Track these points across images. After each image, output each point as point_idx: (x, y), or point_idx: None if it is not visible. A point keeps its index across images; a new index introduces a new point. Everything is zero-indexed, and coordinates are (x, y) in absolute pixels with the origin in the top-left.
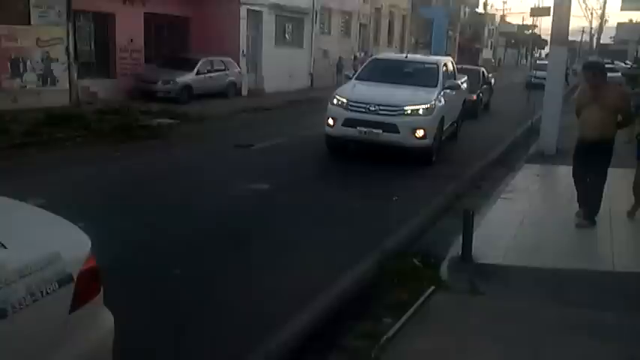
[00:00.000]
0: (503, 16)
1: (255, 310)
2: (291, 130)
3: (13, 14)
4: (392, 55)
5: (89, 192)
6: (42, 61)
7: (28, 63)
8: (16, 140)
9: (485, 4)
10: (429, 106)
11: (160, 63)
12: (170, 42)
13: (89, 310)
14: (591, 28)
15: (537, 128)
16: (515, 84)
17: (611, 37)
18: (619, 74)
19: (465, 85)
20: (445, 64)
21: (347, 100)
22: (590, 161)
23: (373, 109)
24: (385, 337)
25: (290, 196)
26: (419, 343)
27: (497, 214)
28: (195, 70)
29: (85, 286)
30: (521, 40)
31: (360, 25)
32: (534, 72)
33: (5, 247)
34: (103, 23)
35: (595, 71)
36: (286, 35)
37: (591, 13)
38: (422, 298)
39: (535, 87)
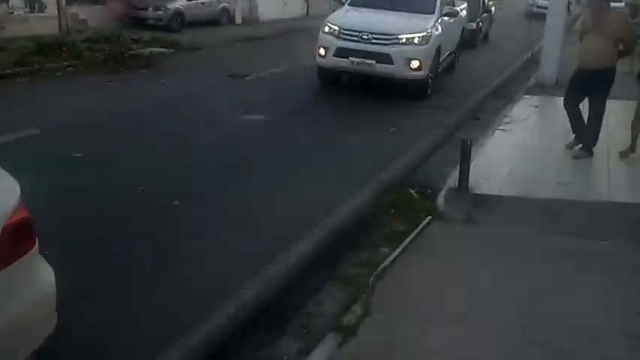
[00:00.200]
0: None
1: (253, 238)
2: (287, 60)
3: None
4: None
5: (83, 122)
6: None
7: None
8: (7, 70)
9: None
10: (424, 34)
11: None
12: None
13: (21, 267)
14: None
15: (537, 59)
16: (516, 13)
17: None
18: (622, 4)
19: (464, 13)
20: None
21: (339, 27)
22: (589, 90)
23: (366, 37)
24: (382, 265)
25: (286, 127)
26: (415, 271)
27: (494, 145)
28: None
29: (13, 241)
30: None
31: None
32: (536, 1)
33: None
34: None
35: None
36: None
37: None
38: (418, 228)
39: (536, 17)
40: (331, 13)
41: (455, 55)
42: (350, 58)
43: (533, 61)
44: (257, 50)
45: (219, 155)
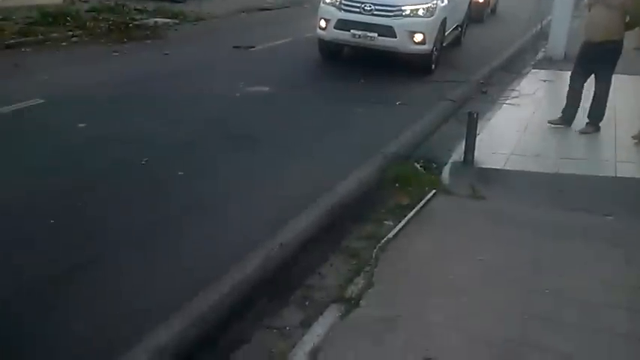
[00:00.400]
0: None
1: (256, 211)
2: (293, 31)
3: None
4: None
5: (88, 93)
6: None
7: None
8: (10, 40)
9: None
10: (429, 5)
11: None
12: None
13: None
14: None
15: (546, 33)
16: None
17: None
18: None
19: None
20: None
21: None
22: (595, 63)
23: (368, 8)
24: (385, 238)
25: (291, 100)
26: (419, 244)
27: (501, 119)
28: None
29: None
30: None
31: None
32: None
33: None
34: None
35: None
36: None
37: None
38: (423, 202)
39: None
40: None
41: (461, 29)
42: (351, 30)
43: (542, 35)
44: (262, 21)
45: (224, 127)
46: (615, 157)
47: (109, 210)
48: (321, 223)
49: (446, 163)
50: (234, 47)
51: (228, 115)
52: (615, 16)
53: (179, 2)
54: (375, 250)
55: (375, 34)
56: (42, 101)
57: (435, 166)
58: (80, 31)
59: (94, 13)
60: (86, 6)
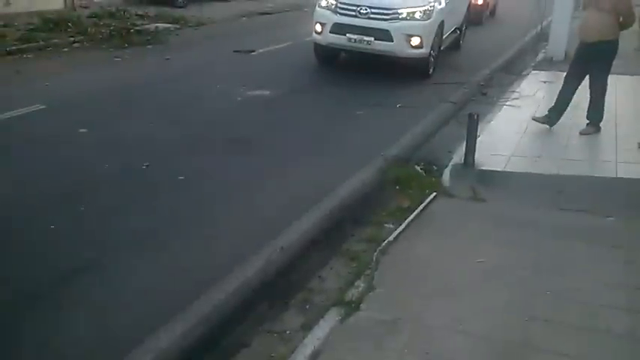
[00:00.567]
0: None
1: (257, 214)
2: (293, 35)
3: None
4: None
5: (89, 98)
6: None
7: None
8: (13, 46)
9: None
10: (426, 8)
11: None
12: None
13: None
14: None
15: (546, 34)
16: None
17: None
18: None
19: None
20: None
21: (336, 0)
22: (590, 63)
23: (364, 12)
24: (386, 240)
25: (292, 103)
26: (419, 247)
27: (501, 120)
28: None
29: None
30: None
31: None
32: None
33: None
34: None
35: None
36: None
37: None
38: (423, 204)
39: None
40: None
41: (460, 32)
42: (347, 34)
43: (542, 37)
44: (262, 25)
45: (225, 131)
46: (616, 157)
47: (109, 214)
48: (322, 226)
49: (446, 166)
50: (235, 51)
51: (229, 118)
52: (608, 17)
53: (180, 7)
54: (375, 254)
55: (372, 38)
56: (43, 107)
57: (435, 168)
58: (81, 37)
59: (95, 18)
60: (87, 12)
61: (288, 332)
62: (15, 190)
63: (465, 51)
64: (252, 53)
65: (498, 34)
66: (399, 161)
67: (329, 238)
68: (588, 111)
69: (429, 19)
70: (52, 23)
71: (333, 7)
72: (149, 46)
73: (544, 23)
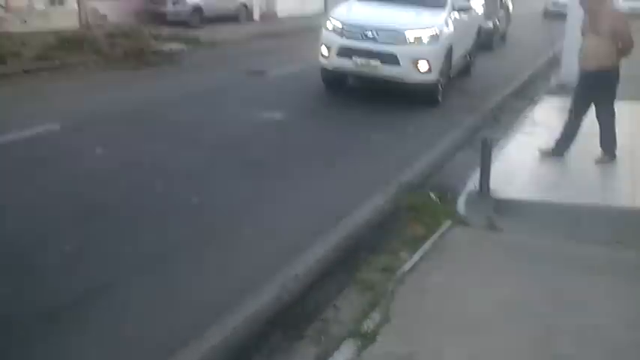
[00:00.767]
0: None
1: (269, 240)
2: (306, 57)
3: None
4: None
5: (103, 118)
6: None
7: None
8: (28, 65)
9: None
10: (434, 32)
11: None
12: None
13: None
14: None
15: (559, 59)
16: (535, 12)
17: None
18: None
19: (480, 10)
20: None
21: (342, 23)
22: (593, 92)
23: (371, 35)
24: (401, 270)
25: (303, 126)
26: (435, 278)
27: (515, 147)
28: None
29: None
30: None
31: None
32: None
33: None
34: None
35: None
36: None
37: None
38: (438, 233)
39: (553, 16)
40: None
41: (470, 58)
42: (353, 58)
43: (555, 62)
44: (276, 47)
45: (237, 153)
46: (633, 186)
47: (123, 235)
48: (336, 253)
49: (461, 193)
50: (248, 73)
51: (241, 140)
52: (606, 43)
53: (194, 28)
54: (390, 284)
55: (378, 62)
56: (58, 126)
57: (449, 195)
58: (97, 57)
59: (110, 38)
60: (102, 31)
61: None
62: (29, 209)
63: (476, 76)
64: (265, 75)
65: (509, 59)
66: (412, 188)
67: (343, 265)
68: (600, 140)
69: (437, 43)
70: (68, 42)
71: (340, 29)
72: (163, 67)
73: (556, 48)
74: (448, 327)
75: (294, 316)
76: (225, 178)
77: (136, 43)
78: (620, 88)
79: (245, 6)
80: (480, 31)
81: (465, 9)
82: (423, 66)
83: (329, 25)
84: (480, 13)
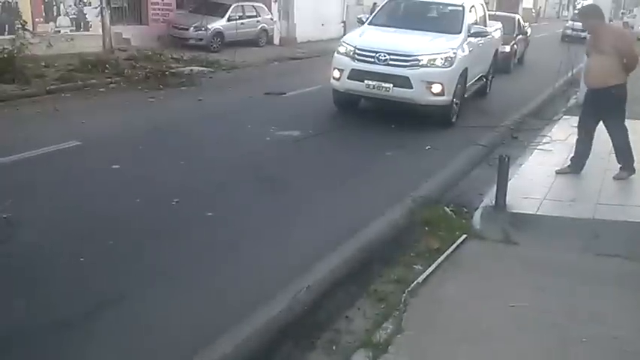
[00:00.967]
0: None
1: (283, 253)
2: (323, 80)
3: None
4: None
5: (123, 136)
6: (75, 4)
7: (62, 6)
8: (52, 85)
9: None
10: (448, 55)
11: (192, 9)
12: None
13: None
14: None
15: (577, 80)
16: (554, 36)
17: None
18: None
19: (497, 34)
20: (473, 7)
21: (354, 47)
22: (600, 110)
23: (383, 58)
24: (415, 282)
25: (321, 144)
26: (449, 290)
27: (533, 164)
28: (227, 15)
29: None
30: None
31: None
32: (572, 23)
33: None
34: None
35: (586, 16)
36: None
37: None
38: (454, 246)
39: (572, 40)
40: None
41: (486, 80)
42: (365, 81)
43: (573, 83)
44: (294, 69)
45: (254, 169)
46: None
47: (138, 248)
48: (350, 265)
49: (477, 208)
50: (266, 94)
51: (258, 158)
52: (611, 61)
53: (215, 52)
54: (404, 295)
55: (391, 85)
56: (79, 143)
57: (465, 210)
58: (118, 78)
59: (132, 61)
60: (125, 54)
61: None
62: (47, 222)
63: (493, 97)
64: (283, 95)
65: (527, 81)
66: (428, 202)
67: (357, 277)
68: (616, 156)
69: (450, 66)
70: (91, 64)
71: (352, 53)
72: (183, 88)
73: (574, 70)
74: (461, 339)
75: (306, 325)
76: (241, 192)
77: (157, 65)
78: (629, 108)
79: (265, 31)
80: (496, 55)
81: (481, 34)
82: (436, 88)
83: (341, 49)
84: (497, 37)
